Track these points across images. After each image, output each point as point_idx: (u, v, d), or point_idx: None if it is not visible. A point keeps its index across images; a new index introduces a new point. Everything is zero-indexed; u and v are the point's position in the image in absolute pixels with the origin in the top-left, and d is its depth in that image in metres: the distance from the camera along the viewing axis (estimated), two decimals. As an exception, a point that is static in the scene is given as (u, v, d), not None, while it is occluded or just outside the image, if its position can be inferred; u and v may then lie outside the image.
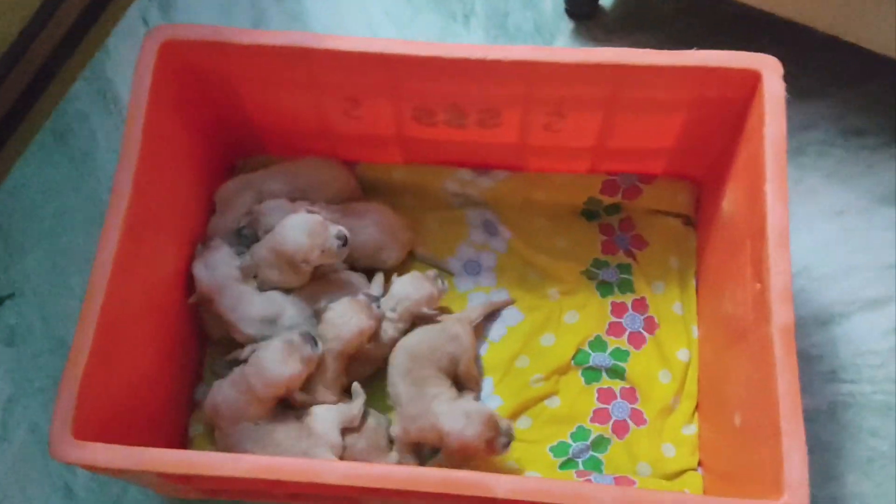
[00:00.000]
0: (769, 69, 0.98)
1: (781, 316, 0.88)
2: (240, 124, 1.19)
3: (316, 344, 1.07)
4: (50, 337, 1.25)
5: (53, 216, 1.32)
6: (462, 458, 1.04)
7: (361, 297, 1.12)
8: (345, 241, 1.11)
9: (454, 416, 1.03)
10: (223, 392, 1.08)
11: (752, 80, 0.99)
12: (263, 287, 1.14)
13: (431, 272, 1.19)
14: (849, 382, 1.19)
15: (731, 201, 1.06)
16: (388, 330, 1.15)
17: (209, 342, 1.20)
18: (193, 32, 1.04)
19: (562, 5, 1.43)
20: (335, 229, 1.11)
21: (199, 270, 1.12)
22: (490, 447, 1.02)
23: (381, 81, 1.06)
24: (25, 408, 1.20)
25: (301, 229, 1.10)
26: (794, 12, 1.20)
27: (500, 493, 0.83)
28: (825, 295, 1.25)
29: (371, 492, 0.85)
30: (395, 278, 1.18)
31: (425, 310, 1.15)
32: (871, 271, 1.26)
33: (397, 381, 1.10)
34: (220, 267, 1.12)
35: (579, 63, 0.99)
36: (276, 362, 1.05)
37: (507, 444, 1.03)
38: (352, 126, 1.17)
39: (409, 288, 1.15)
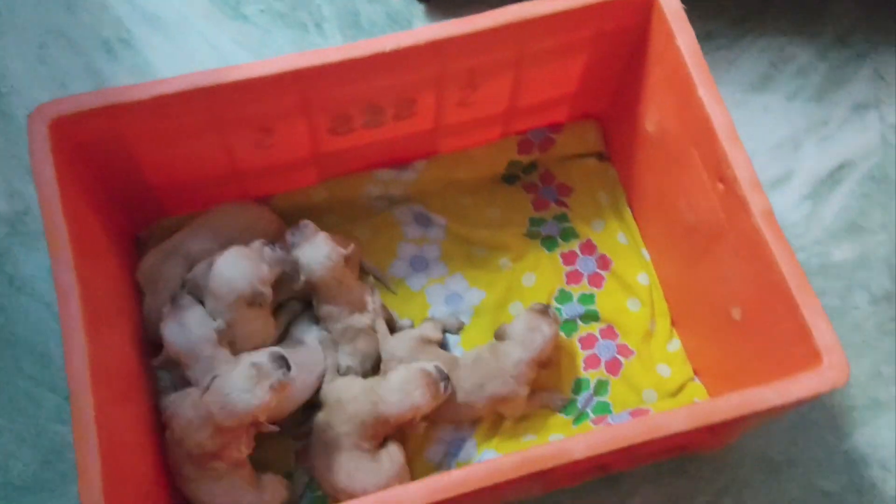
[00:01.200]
0: (661, -13, 1.02)
1: (758, 203, 0.93)
2: (141, 190, 1.10)
3: (289, 368, 0.97)
4: None
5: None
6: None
7: (433, 369, 1.04)
8: (272, 245, 1.08)
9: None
10: (182, 410, 0.98)
11: (647, 4, 1.03)
12: (235, 350, 1.06)
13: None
14: (784, 257, 1.29)
15: (654, 121, 1.10)
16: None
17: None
18: (80, 102, 0.94)
19: (407, -10, 1.43)
20: (255, 243, 1.07)
21: (172, 332, 1.03)
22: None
23: (294, 100, 1.01)
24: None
25: (235, 262, 1.04)
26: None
27: (579, 455, 0.82)
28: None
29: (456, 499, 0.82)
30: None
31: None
32: (764, 154, 1.36)
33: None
34: (195, 328, 1.03)
35: (489, 28, 1.00)
36: (241, 390, 0.94)
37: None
38: (263, 158, 1.10)
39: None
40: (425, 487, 0.81)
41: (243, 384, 0.95)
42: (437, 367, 1.05)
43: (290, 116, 1.03)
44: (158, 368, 1.07)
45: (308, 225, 1.10)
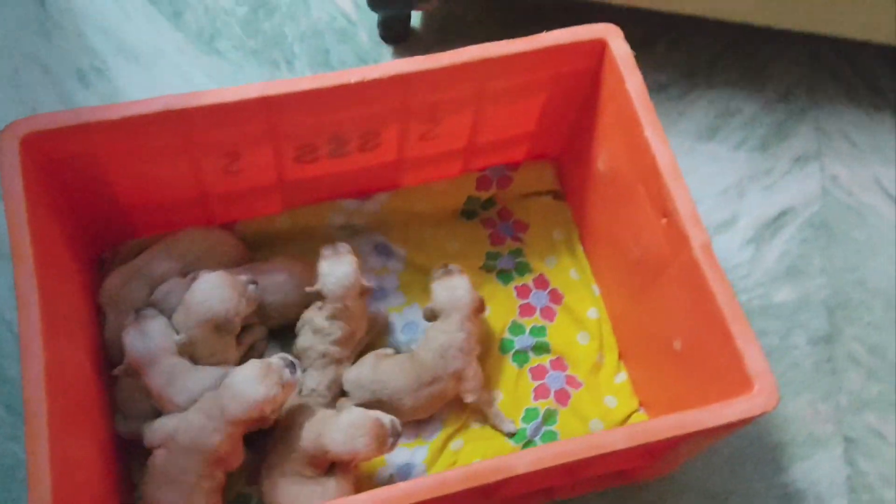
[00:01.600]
0: (612, 35, 1.09)
1: (698, 237, 0.98)
2: (107, 210, 1.13)
3: (295, 369, 1.02)
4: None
5: None
6: None
7: (388, 423, 1.04)
8: (255, 283, 1.12)
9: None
10: (186, 419, 1.01)
11: (599, 49, 1.10)
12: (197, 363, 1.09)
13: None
14: (728, 297, 1.34)
15: (605, 160, 1.16)
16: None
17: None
18: (53, 120, 0.97)
19: (377, 33, 1.49)
20: (242, 277, 1.11)
21: (134, 339, 1.05)
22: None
23: (262, 126, 1.05)
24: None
25: (218, 286, 1.07)
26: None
27: (523, 469, 0.85)
28: (684, 229, 1.40)
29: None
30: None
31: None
32: (710, 199, 1.43)
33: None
34: (156, 337, 1.05)
35: (450, 65, 1.05)
36: (251, 381, 0.99)
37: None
38: (230, 183, 1.14)
39: None
40: (370, 499, 0.83)
41: (253, 375, 1.00)
42: (392, 421, 1.04)
43: (257, 143, 1.08)
44: (119, 377, 1.08)
45: (346, 246, 1.15)
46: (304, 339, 1.14)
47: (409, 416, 1.14)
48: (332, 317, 1.12)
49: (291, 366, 1.02)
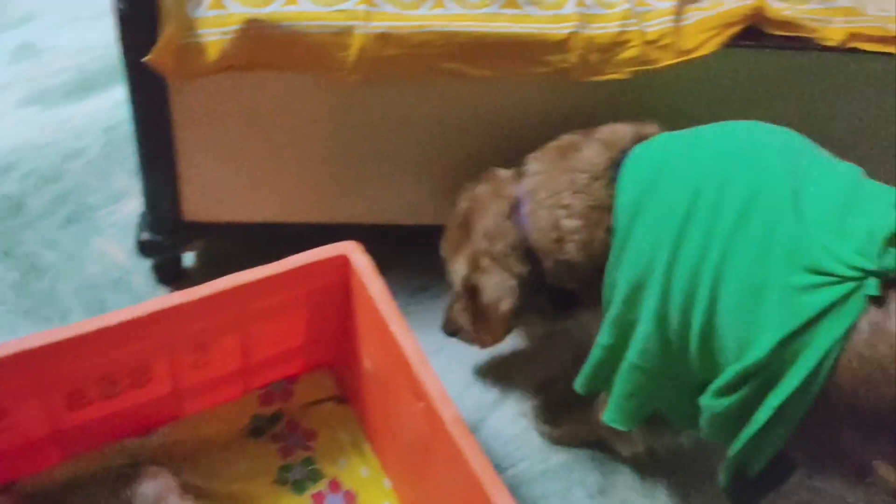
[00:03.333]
0: (352, 249, 1.25)
1: (447, 412, 1.10)
2: None
3: None
4: None
5: None
6: None
7: None
8: None
9: None
10: None
11: (343, 263, 1.25)
12: None
13: None
14: (510, 468, 1.45)
15: (369, 358, 1.28)
16: None
17: None
18: None
19: (151, 278, 1.58)
20: None
21: None
22: None
23: (25, 381, 1.08)
24: None
25: None
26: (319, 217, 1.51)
27: None
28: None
29: None
30: None
31: None
32: (480, 384, 1.56)
33: None
34: None
35: (207, 296, 1.16)
36: None
37: None
38: (2, 442, 1.14)
39: None
40: None
41: None
42: None
43: (22, 397, 1.10)
44: None
45: None
46: None
47: None
48: None
49: None
